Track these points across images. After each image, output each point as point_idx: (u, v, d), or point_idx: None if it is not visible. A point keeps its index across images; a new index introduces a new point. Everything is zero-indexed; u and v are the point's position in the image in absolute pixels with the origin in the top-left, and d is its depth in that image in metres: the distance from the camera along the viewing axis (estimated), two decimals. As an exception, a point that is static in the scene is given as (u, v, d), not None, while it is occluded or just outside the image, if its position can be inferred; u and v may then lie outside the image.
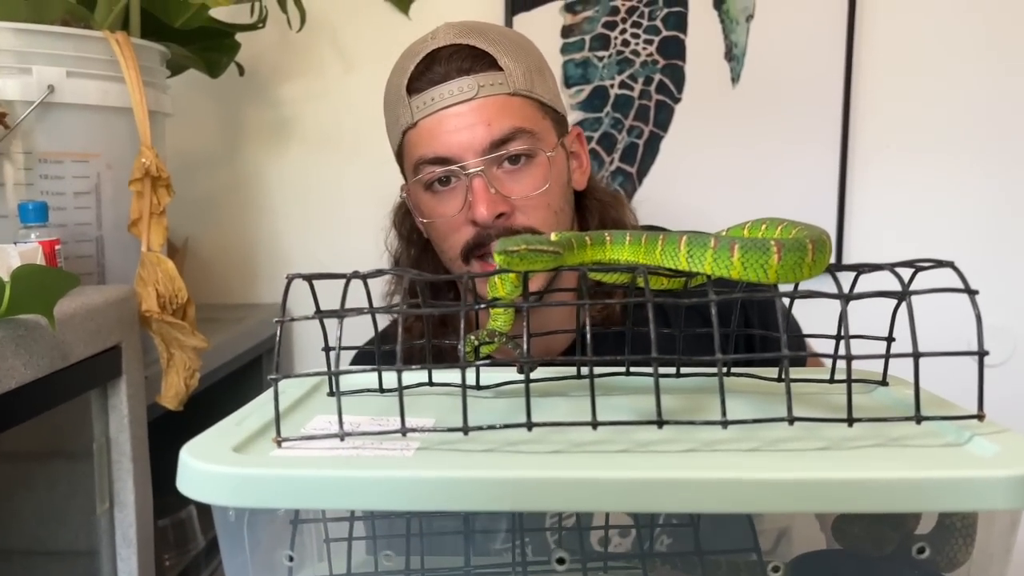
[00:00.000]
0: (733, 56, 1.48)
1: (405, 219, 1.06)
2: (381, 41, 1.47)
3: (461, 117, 0.89)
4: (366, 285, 0.50)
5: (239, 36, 1.25)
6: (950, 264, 0.45)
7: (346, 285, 0.46)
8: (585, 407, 0.43)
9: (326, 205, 1.51)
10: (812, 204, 1.50)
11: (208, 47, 1.21)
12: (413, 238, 1.05)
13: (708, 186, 1.51)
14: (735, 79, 1.49)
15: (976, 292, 0.43)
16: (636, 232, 0.48)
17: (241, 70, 1.33)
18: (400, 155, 0.97)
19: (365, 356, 1.00)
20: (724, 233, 0.51)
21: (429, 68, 0.91)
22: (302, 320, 0.43)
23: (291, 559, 0.44)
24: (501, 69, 0.90)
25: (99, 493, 0.92)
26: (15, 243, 0.89)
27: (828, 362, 0.74)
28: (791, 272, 0.41)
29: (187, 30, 1.15)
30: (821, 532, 0.51)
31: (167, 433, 1.05)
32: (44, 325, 0.76)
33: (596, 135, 1.50)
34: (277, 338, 0.43)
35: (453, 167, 0.90)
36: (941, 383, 0.54)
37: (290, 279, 0.46)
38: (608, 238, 0.48)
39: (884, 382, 0.55)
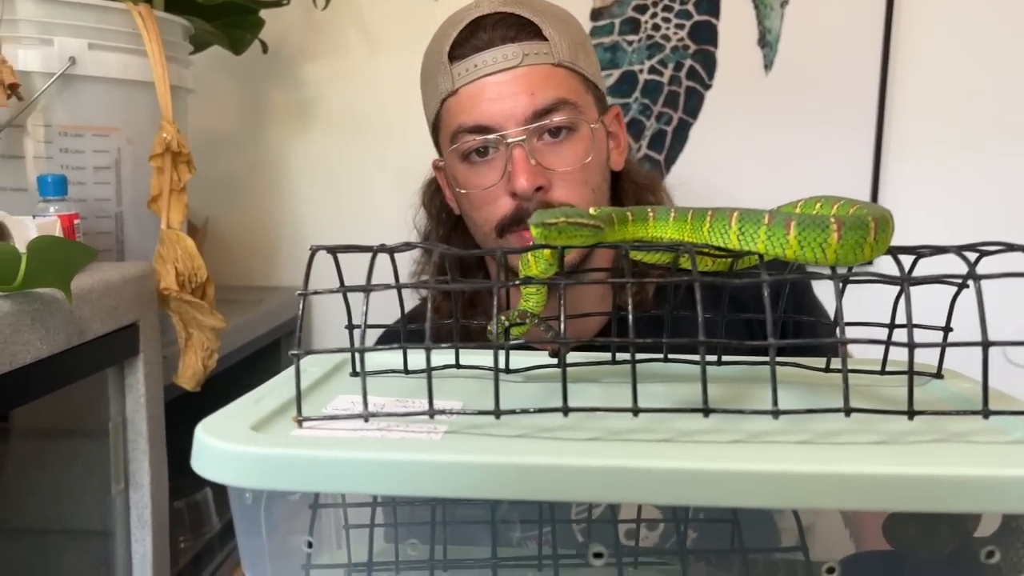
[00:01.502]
0: (767, 42, 1.45)
1: (435, 196, 1.04)
2: (407, 24, 1.44)
3: (504, 85, 0.86)
4: (393, 260, 0.48)
5: (263, 13, 1.23)
6: (1022, 248, 0.42)
7: (372, 259, 0.44)
8: (620, 394, 0.41)
9: (349, 188, 1.49)
10: (844, 194, 1.46)
11: (232, 23, 1.19)
12: (442, 216, 1.03)
13: (738, 175, 1.47)
14: (768, 66, 1.45)
15: (1051, 279, 0.40)
16: (682, 208, 0.45)
17: (265, 47, 1.31)
18: (437, 126, 0.94)
19: (391, 336, 0.98)
20: (777, 210, 0.48)
21: (473, 34, 0.88)
22: (325, 294, 0.40)
23: (310, 545, 0.42)
24: (546, 39, 0.87)
25: (114, 473, 0.90)
26: (34, 216, 0.87)
27: (858, 353, 0.70)
28: (852, 253, 0.38)
29: (211, 5, 1.13)
30: (845, 528, 0.48)
31: (184, 414, 1.03)
32: (61, 299, 0.74)
33: (625, 121, 1.47)
34: (299, 312, 0.40)
35: (493, 136, 0.87)
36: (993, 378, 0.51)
37: (314, 251, 0.44)
38: (651, 213, 0.46)
39: (939, 375, 0.52)
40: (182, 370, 0.99)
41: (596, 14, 1.46)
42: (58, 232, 0.83)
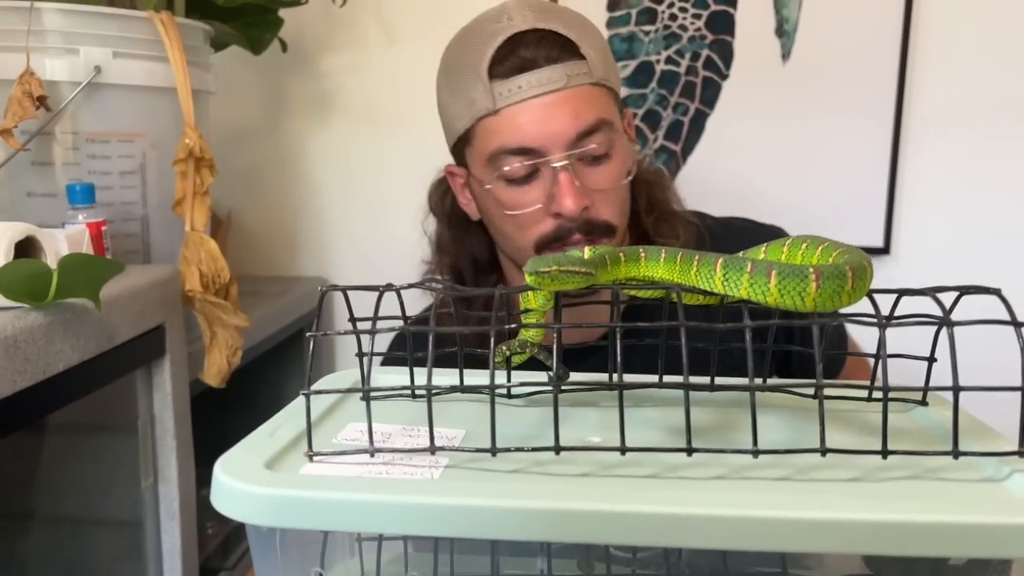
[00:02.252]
0: (784, 32, 1.44)
1: (444, 199, 1.05)
2: (424, 15, 1.46)
3: (548, 108, 0.86)
4: (399, 297, 0.50)
5: (282, 12, 1.25)
6: (996, 292, 0.44)
7: (378, 300, 0.46)
8: (616, 419, 0.43)
9: (368, 178, 1.52)
10: (862, 186, 1.46)
11: (251, 23, 1.21)
12: (453, 220, 1.04)
13: (754, 165, 1.48)
14: (785, 55, 1.45)
15: (1022, 324, 0.42)
16: (672, 249, 0.48)
17: (284, 46, 1.33)
18: (466, 139, 0.93)
19: (400, 343, 1.00)
20: (764, 251, 0.50)
21: (513, 52, 0.87)
22: (335, 335, 0.43)
23: (319, 574, 0.45)
24: (584, 58, 0.88)
25: (143, 468, 0.94)
26: (63, 224, 0.91)
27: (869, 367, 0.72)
28: (829, 300, 0.40)
29: (231, 7, 1.15)
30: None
31: (210, 406, 1.08)
32: (91, 309, 0.78)
33: (641, 111, 1.48)
34: (308, 353, 0.43)
35: (540, 159, 0.87)
36: (986, 400, 0.53)
37: (323, 291, 0.47)
38: (643, 254, 0.48)
39: (924, 402, 0.54)
40: (207, 367, 1.02)
41: (613, 4, 1.46)
42: (87, 241, 0.87)
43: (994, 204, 1.46)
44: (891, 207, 1.47)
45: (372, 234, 1.53)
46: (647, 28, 1.46)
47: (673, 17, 1.46)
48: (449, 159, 1.01)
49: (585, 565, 0.53)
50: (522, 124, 0.87)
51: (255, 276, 1.51)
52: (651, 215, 0.99)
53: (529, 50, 0.87)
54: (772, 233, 1.03)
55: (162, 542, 0.97)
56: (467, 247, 1.03)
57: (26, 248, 0.77)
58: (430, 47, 1.45)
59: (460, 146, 0.96)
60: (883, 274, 1.49)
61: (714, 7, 1.45)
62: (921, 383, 0.53)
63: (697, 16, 1.45)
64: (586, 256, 0.46)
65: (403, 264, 1.52)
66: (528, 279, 0.43)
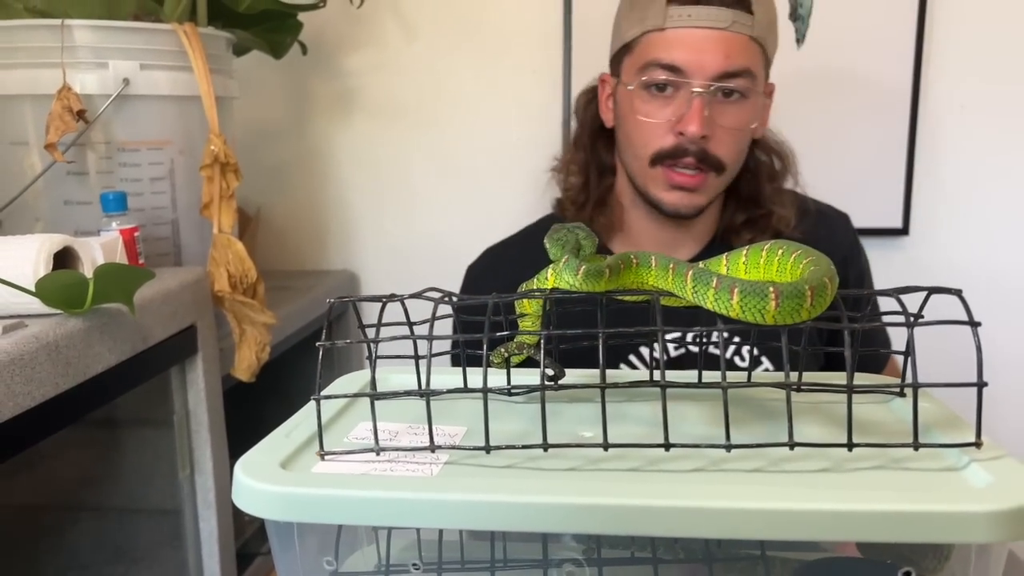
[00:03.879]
0: (799, 16, 1.45)
1: (589, 105, 1.16)
2: (441, 10, 1.49)
3: (707, 40, 0.98)
4: (404, 307, 0.54)
5: (301, 15, 1.28)
6: (957, 293, 0.46)
7: (381, 310, 0.50)
8: (610, 411, 0.47)
9: (391, 173, 1.56)
10: (879, 168, 1.47)
11: (271, 28, 1.25)
12: (590, 125, 1.16)
13: (770, 150, 1.49)
14: (800, 39, 1.45)
15: (979, 324, 0.44)
16: (661, 258, 0.51)
17: (304, 49, 1.37)
18: (627, 48, 1.05)
19: (489, 257, 1.18)
20: (745, 255, 0.53)
21: None
22: (343, 344, 0.47)
23: (330, 563, 0.49)
24: (752, 13, 0.99)
25: (180, 460, 1.00)
26: (99, 231, 0.96)
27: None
28: (789, 316, 0.43)
29: (251, 14, 1.19)
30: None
31: (243, 399, 1.13)
32: (126, 312, 0.83)
33: (656, 100, 1.49)
34: (319, 362, 0.47)
35: (682, 79, 0.99)
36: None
37: (332, 303, 0.50)
38: (635, 260, 0.51)
39: (901, 393, 0.57)
40: (238, 363, 1.07)
41: (627, -6, 1.47)
42: (120, 248, 0.92)
43: (1010, 185, 1.46)
44: (909, 188, 1.48)
45: (397, 226, 1.57)
46: (661, 17, 1.47)
47: (687, 5, 1.47)
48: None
49: (590, 551, 0.57)
50: (679, 46, 0.99)
51: (284, 271, 1.56)
52: (773, 183, 1.12)
53: None
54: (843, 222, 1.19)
55: (200, 529, 1.02)
56: (596, 150, 1.15)
57: (63, 257, 0.82)
58: (448, 42, 1.50)
59: (621, 54, 1.07)
60: (902, 255, 1.50)
61: (727, -7, 1.46)
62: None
63: (711, 3, 1.46)
64: (579, 275, 0.49)
65: (427, 255, 1.57)
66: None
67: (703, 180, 1.03)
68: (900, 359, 1.05)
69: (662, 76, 1.00)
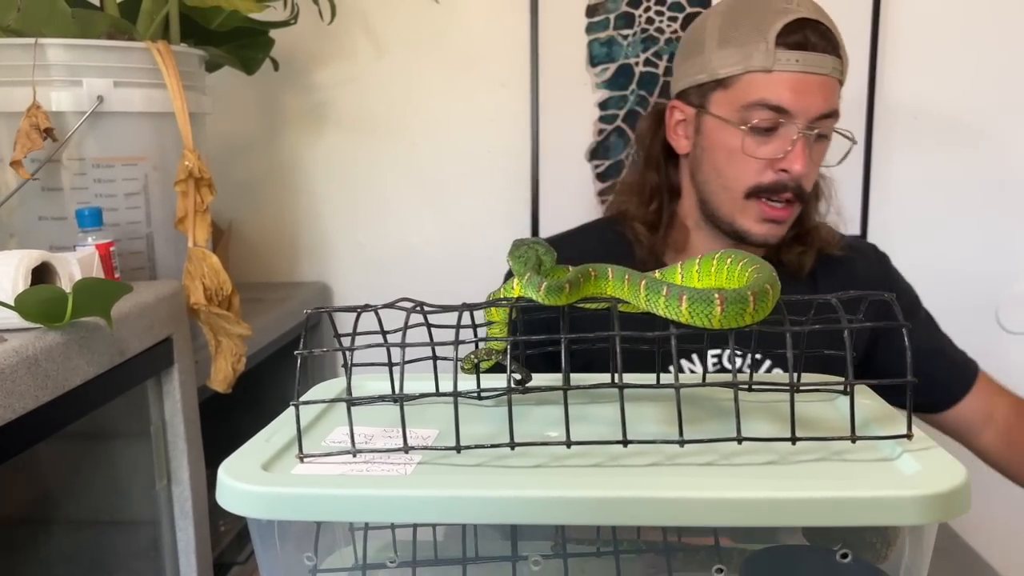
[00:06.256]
0: (756, 30, 1.50)
1: (657, 130, 1.20)
2: (410, 25, 1.52)
3: (811, 84, 1.05)
4: (378, 316, 0.57)
5: (273, 32, 1.31)
6: (891, 298, 0.50)
7: (356, 319, 0.53)
8: (577, 413, 0.50)
9: (363, 185, 1.58)
10: (837, 173, 1.52)
11: (243, 45, 1.27)
12: (655, 148, 1.20)
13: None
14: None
15: (908, 327, 0.48)
16: (617, 269, 0.54)
17: (276, 65, 1.39)
18: (724, 83, 1.09)
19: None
20: (698, 263, 0.56)
21: (801, 32, 1.05)
22: (320, 352, 0.49)
23: (310, 558, 0.52)
24: (841, 58, 1.07)
25: (157, 470, 1.01)
26: (75, 246, 0.98)
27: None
28: (733, 320, 0.47)
29: (223, 31, 1.21)
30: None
31: (219, 410, 1.15)
32: (103, 326, 0.85)
33: (621, 113, 1.54)
34: (297, 369, 0.50)
35: (788, 120, 1.05)
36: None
37: (309, 313, 0.53)
38: (592, 272, 0.54)
39: (845, 391, 0.60)
40: (214, 375, 1.09)
41: (591, 10, 1.52)
42: (96, 262, 0.93)
43: (961, 190, 1.52)
44: (867, 193, 1.53)
45: (369, 238, 1.59)
46: (625, 32, 1.52)
47: (650, 20, 1.51)
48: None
49: (558, 547, 0.60)
50: (787, 88, 1.05)
51: (258, 283, 1.58)
52: (816, 201, 1.19)
53: (814, 36, 1.05)
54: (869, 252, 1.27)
55: (177, 540, 1.04)
56: (664, 173, 1.20)
57: (41, 273, 0.83)
58: (418, 56, 1.53)
59: (707, 88, 1.11)
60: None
61: (689, 9, 1.50)
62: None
63: (673, 19, 1.51)
64: (543, 291, 0.53)
65: (400, 266, 1.59)
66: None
67: (791, 213, 1.11)
68: (989, 373, 1.21)
69: (769, 116, 1.06)
